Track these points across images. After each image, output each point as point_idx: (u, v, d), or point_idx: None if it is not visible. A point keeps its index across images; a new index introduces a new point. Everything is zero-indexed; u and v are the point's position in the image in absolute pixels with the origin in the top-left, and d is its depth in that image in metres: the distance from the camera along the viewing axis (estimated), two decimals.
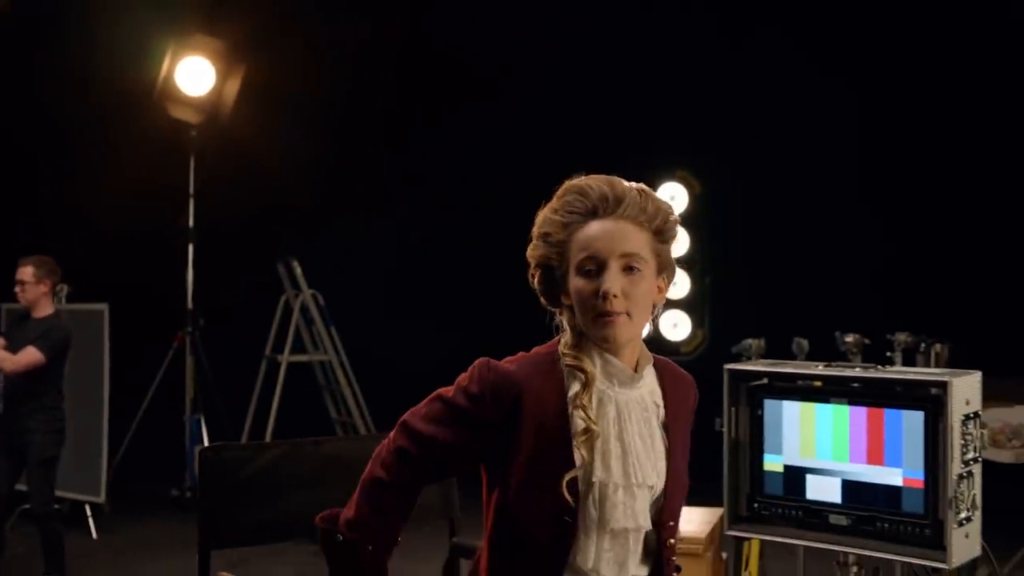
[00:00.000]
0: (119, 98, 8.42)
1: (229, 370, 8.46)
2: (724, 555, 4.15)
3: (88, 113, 8.48)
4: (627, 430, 2.04)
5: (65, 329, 6.11)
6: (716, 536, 3.98)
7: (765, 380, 2.76)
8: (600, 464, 2.01)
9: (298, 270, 8.27)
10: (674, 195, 7.76)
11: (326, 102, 8.91)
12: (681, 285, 7.75)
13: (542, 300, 2.14)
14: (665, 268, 2.06)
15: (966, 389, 2.54)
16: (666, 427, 2.12)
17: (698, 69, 8.31)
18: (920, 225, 8.21)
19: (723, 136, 8.25)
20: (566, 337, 2.08)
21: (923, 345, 6.58)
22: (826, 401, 2.66)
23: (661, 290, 2.08)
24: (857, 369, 2.65)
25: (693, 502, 4.14)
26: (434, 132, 8.95)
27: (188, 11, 8.40)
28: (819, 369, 2.70)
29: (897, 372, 2.62)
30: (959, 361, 6.68)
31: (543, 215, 2.10)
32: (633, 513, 2.03)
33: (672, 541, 2.14)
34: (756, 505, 2.78)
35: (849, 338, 5.21)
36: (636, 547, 2.08)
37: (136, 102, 8.33)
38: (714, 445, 3.03)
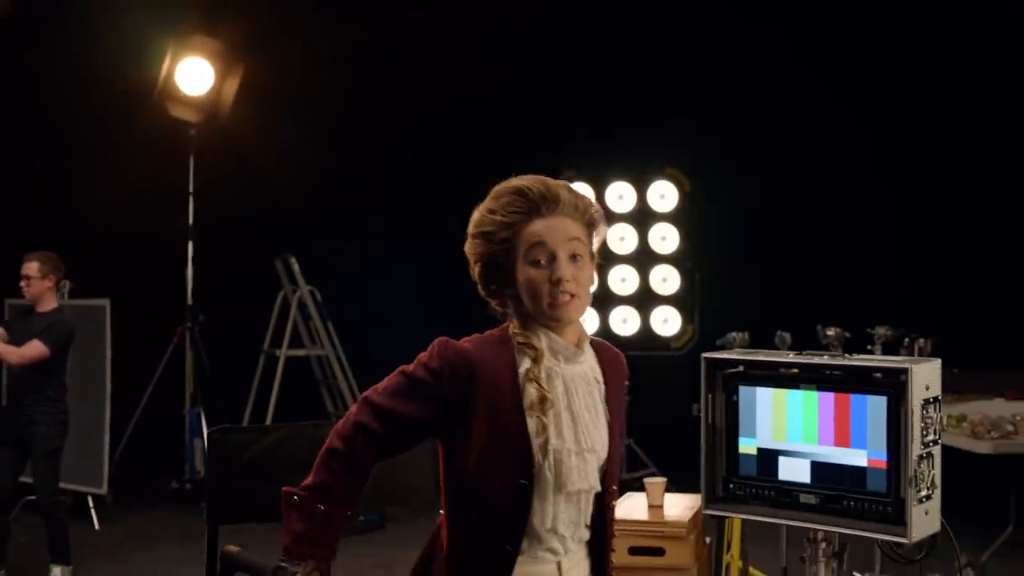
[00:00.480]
0: (120, 98, 8.45)
1: (228, 365, 8.47)
2: (708, 540, 4.30)
3: (89, 112, 8.51)
4: (575, 402, 2.27)
5: (69, 323, 6.19)
6: (699, 521, 4.13)
7: (740, 368, 2.92)
8: (554, 432, 2.23)
9: (296, 267, 8.30)
10: (664, 193, 8.00)
11: (323, 101, 8.94)
12: (671, 281, 8.00)
13: (482, 291, 2.37)
14: (594, 255, 2.34)
15: (926, 375, 2.70)
16: (606, 401, 2.35)
17: (689, 69, 8.39)
18: (902, 224, 8.32)
19: (713, 135, 8.33)
20: (514, 320, 2.31)
21: (907, 340, 6.74)
22: (796, 387, 2.82)
23: (592, 276, 2.35)
24: (825, 357, 2.81)
25: (677, 488, 4.32)
26: (429, 130, 9.00)
27: (187, 12, 8.43)
28: (790, 357, 2.87)
29: (862, 360, 2.78)
30: (941, 356, 6.81)
31: (481, 215, 2.34)
32: (586, 475, 2.26)
33: (614, 503, 2.38)
34: (732, 486, 2.93)
35: (830, 331, 5.36)
36: (587, 508, 2.31)
37: (136, 102, 8.36)
38: (692, 431, 3.19)
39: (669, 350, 7.91)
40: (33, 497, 6.61)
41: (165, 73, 8.13)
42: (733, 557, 4.23)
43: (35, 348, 5.91)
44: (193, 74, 8.20)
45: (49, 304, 6.18)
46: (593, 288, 2.36)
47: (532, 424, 2.23)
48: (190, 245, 8.45)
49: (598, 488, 2.31)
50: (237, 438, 2.76)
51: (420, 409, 2.26)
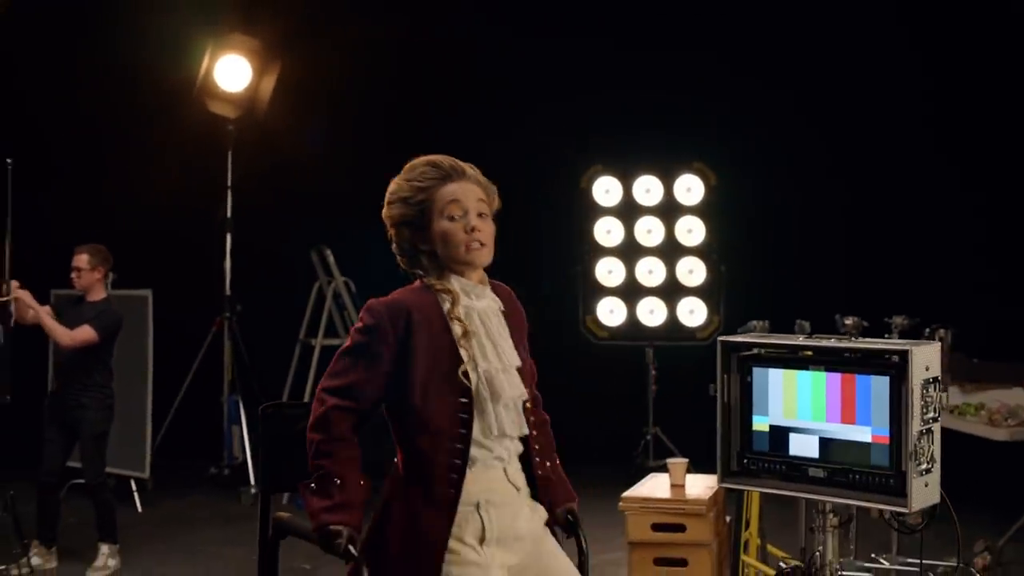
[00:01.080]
0: (161, 95, 8.52)
1: (265, 353, 8.57)
2: (728, 519, 4.50)
3: (132, 109, 8.58)
4: (490, 330, 2.67)
5: (117, 313, 6.33)
6: (719, 500, 4.33)
7: (754, 351, 3.14)
8: (480, 356, 2.63)
9: (331, 258, 8.32)
10: (691, 186, 8.08)
11: (357, 98, 8.97)
12: (697, 273, 8.09)
13: (396, 251, 2.77)
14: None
15: (926, 357, 2.90)
16: (510, 327, 2.74)
17: (714, 66, 8.41)
18: (923, 216, 8.32)
19: (738, 131, 8.36)
20: (429, 273, 2.71)
21: (927, 330, 6.84)
22: (806, 368, 3.04)
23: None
24: (832, 340, 3.02)
25: (697, 470, 4.51)
26: (459, 126, 8.88)
27: (226, 12, 8.45)
28: (800, 340, 3.08)
29: (866, 342, 2.98)
30: (961, 346, 6.92)
31: (397, 184, 2.76)
32: (515, 385, 2.64)
33: (529, 405, 2.74)
34: (745, 461, 3.15)
35: (848, 320, 5.50)
36: (520, 411, 2.68)
37: (177, 98, 8.41)
38: (710, 410, 3.40)
39: (695, 340, 8.01)
40: (79, 480, 6.73)
41: (204, 71, 8.20)
42: (751, 535, 4.42)
43: (85, 332, 6.05)
44: (231, 72, 8.27)
45: (98, 294, 6.32)
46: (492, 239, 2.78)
47: (463, 353, 2.63)
48: (228, 237, 8.50)
49: (526, 395, 2.70)
50: (287, 413, 3.00)
51: (377, 368, 2.61)
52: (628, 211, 8.19)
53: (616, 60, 8.60)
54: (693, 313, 8.06)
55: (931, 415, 2.90)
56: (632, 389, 8.18)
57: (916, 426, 2.86)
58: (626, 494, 4.22)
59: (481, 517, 2.62)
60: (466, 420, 2.60)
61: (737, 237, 8.24)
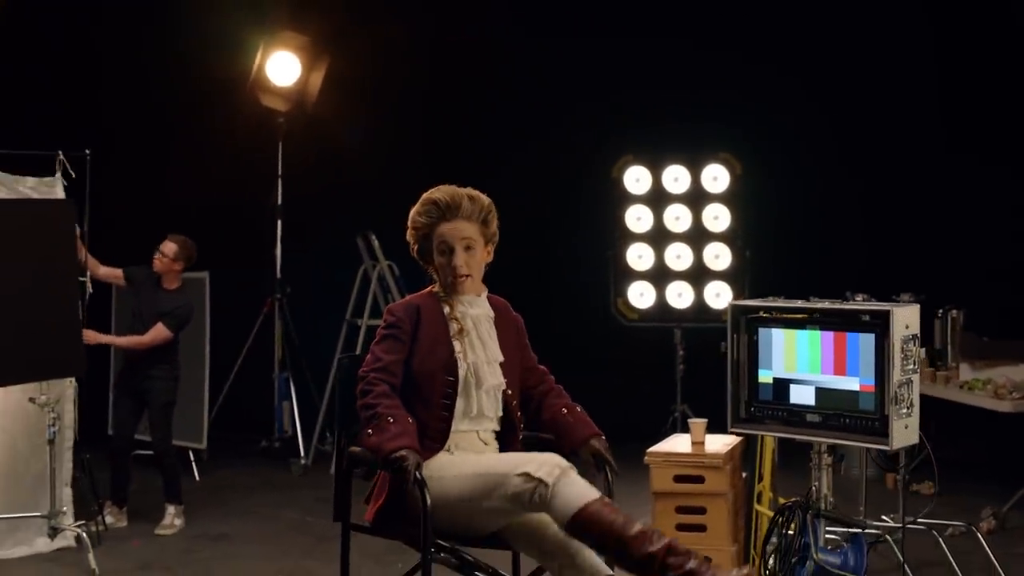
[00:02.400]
0: (217, 89, 8.80)
1: (313, 333, 8.85)
2: (744, 474, 4.97)
3: (191, 103, 8.86)
4: (481, 331, 3.43)
5: (189, 305, 6.75)
6: (735, 455, 4.81)
7: (760, 313, 3.65)
8: (470, 351, 3.38)
9: (375, 243, 8.45)
10: (717, 175, 8.24)
11: (401, 91, 9.14)
12: (723, 258, 8.26)
13: (420, 262, 3.60)
14: (489, 240, 3.56)
15: (906, 317, 3.40)
16: (500, 332, 3.54)
17: (739, 63, 8.63)
18: (937, 205, 8.58)
19: (761, 123, 8.56)
20: (437, 283, 3.55)
21: (940, 311, 7.23)
22: (804, 328, 3.55)
23: (488, 253, 3.56)
24: (826, 303, 3.53)
25: (712, 430, 4.95)
26: (495, 119, 9.14)
27: (277, 10, 8.69)
28: (798, 303, 3.59)
29: (855, 305, 3.49)
30: (972, 325, 7.29)
31: (413, 215, 3.57)
32: (496, 375, 3.39)
33: (511, 395, 3.50)
34: (752, 409, 3.67)
35: (858, 297, 5.97)
36: (499, 398, 3.43)
37: (232, 93, 8.70)
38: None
39: (721, 322, 8.12)
40: (143, 451, 7.28)
41: (257, 66, 8.48)
42: (764, 487, 4.88)
43: (160, 332, 6.52)
44: (282, 67, 8.52)
45: (173, 283, 6.73)
46: (487, 263, 3.59)
47: (456, 346, 3.42)
48: (279, 223, 8.79)
49: (504, 385, 3.42)
50: (360, 363, 3.55)
51: (400, 351, 3.42)
52: (657, 199, 8.37)
53: (646, 58, 8.79)
54: (719, 296, 8.22)
55: (911, 367, 3.40)
56: (661, 368, 8.39)
57: (897, 376, 3.35)
58: (651, 449, 4.70)
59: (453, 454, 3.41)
60: (451, 395, 3.39)
61: (761, 224, 8.38)
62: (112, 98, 9.05)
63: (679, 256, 8.37)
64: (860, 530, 3.44)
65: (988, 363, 6.97)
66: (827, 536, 3.67)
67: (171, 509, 6.68)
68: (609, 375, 8.32)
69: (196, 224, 8.30)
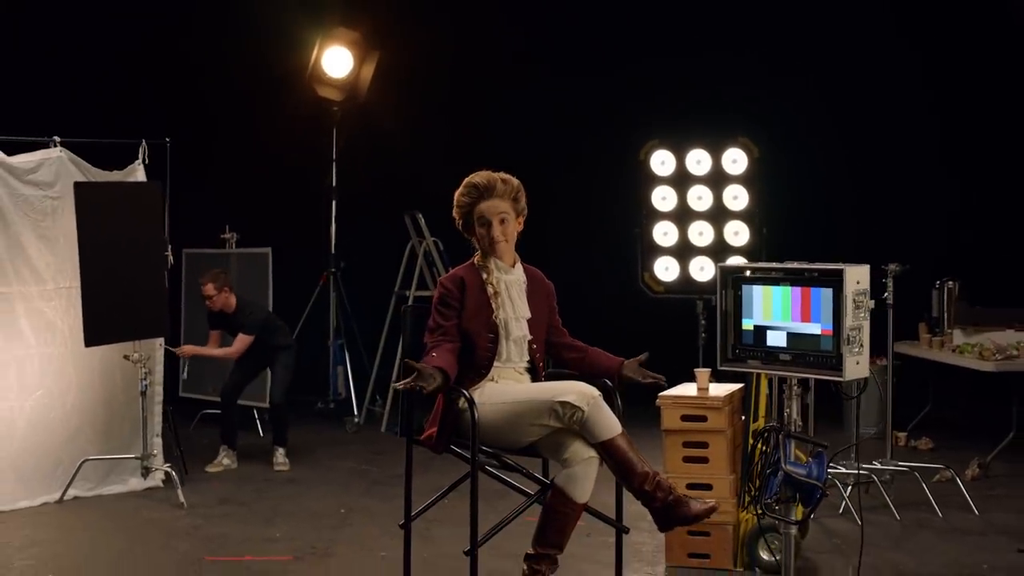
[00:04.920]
0: (277, 81, 9.50)
1: (365, 304, 9.43)
2: (743, 417, 5.80)
3: (254, 94, 9.51)
4: (511, 294, 4.33)
5: (250, 306, 7.70)
6: (735, 400, 5.61)
7: (744, 272, 4.54)
8: (503, 309, 4.30)
9: (422, 221, 8.87)
10: (736, 158, 8.88)
11: (443, 82, 9.74)
12: (742, 235, 8.86)
13: (465, 234, 4.43)
14: (520, 213, 4.41)
15: (857, 275, 4.22)
16: (532, 296, 4.41)
17: (757, 56, 9.29)
18: (939, 184, 9.26)
19: (777, 110, 9.22)
20: (478, 253, 4.39)
21: (938, 282, 8.00)
22: (778, 284, 4.41)
23: (520, 223, 4.41)
24: (794, 264, 4.40)
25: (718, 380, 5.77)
26: (529, 108, 9.73)
27: (332, 8, 9.26)
28: (773, 265, 4.47)
29: (816, 266, 4.32)
30: (967, 295, 8.05)
31: (457, 196, 4.39)
32: (522, 327, 4.31)
33: (535, 347, 4.40)
34: (737, 351, 4.53)
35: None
36: (526, 350, 4.36)
37: (291, 84, 9.36)
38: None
39: None
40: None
41: (313, 60, 9.04)
42: (758, 426, 5.69)
43: (244, 341, 7.55)
44: (336, 61, 9.08)
45: (231, 305, 7.65)
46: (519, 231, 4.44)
47: (493, 305, 4.29)
48: (333, 203, 9.38)
49: (529, 336, 4.35)
50: (422, 310, 4.50)
51: (451, 318, 4.26)
52: (681, 180, 8.93)
53: (671, 50, 9.43)
54: None
55: (862, 315, 4.24)
56: (684, 337, 8.88)
57: (849, 322, 4.19)
58: (662, 394, 5.51)
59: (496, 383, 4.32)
60: (495, 343, 4.30)
61: (778, 203, 8.97)
62: (186, 93, 9.71)
63: (701, 233, 8.96)
64: (823, 447, 4.28)
65: (978, 328, 7.78)
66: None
67: (280, 451, 7.74)
68: (635, 342, 9.06)
69: (260, 205, 9.40)
